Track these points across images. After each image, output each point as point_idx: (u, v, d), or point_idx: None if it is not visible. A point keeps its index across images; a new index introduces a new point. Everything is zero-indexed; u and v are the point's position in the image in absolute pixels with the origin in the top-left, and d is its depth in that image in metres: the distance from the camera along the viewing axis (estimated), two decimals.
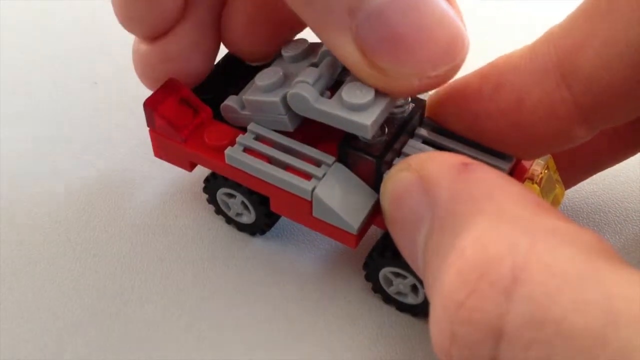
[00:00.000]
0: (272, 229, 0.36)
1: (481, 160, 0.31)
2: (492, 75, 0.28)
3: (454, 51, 0.25)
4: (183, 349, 0.31)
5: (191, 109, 0.33)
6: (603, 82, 0.25)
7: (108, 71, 0.44)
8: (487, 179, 0.24)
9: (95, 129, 0.40)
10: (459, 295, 0.21)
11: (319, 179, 0.30)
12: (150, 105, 0.33)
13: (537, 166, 0.32)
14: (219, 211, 0.36)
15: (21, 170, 0.38)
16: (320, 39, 0.27)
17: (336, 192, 0.30)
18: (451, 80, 0.29)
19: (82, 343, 0.31)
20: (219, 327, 0.32)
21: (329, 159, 0.31)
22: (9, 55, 0.44)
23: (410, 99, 0.31)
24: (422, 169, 0.26)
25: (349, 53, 0.26)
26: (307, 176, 0.30)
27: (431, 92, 0.31)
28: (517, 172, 0.32)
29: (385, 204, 0.28)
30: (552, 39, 0.26)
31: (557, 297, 0.19)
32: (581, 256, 0.20)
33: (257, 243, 0.35)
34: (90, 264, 0.34)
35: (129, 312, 0.33)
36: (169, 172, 0.38)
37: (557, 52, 0.26)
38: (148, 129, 0.34)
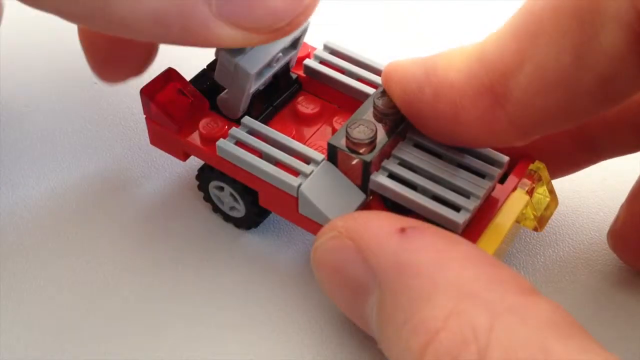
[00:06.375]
0: (272, 228, 0.36)
1: (470, 166, 0.30)
2: (432, 82, 0.28)
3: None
4: (182, 347, 0.31)
5: (188, 98, 0.33)
6: (536, 106, 0.25)
7: None
8: (430, 244, 0.25)
9: (94, 128, 0.41)
10: None
11: (306, 176, 0.30)
12: (146, 93, 0.33)
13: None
14: (216, 209, 0.36)
15: (21, 170, 0.38)
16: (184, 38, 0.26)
17: (322, 191, 0.30)
18: (397, 66, 0.29)
19: (80, 342, 0.32)
20: (217, 327, 0.32)
21: (318, 156, 0.30)
22: (9, 54, 0.44)
23: None
24: (357, 237, 0.26)
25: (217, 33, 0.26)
26: (295, 173, 0.30)
27: None
28: (509, 180, 0.31)
29: (322, 274, 0.28)
30: (484, 59, 0.26)
31: None
32: (535, 334, 0.22)
33: (256, 242, 0.35)
34: (89, 262, 0.34)
35: (128, 311, 0.33)
36: (167, 172, 0.38)
37: (488, 75, 0.26)
38: (144, 116, 0.34)
